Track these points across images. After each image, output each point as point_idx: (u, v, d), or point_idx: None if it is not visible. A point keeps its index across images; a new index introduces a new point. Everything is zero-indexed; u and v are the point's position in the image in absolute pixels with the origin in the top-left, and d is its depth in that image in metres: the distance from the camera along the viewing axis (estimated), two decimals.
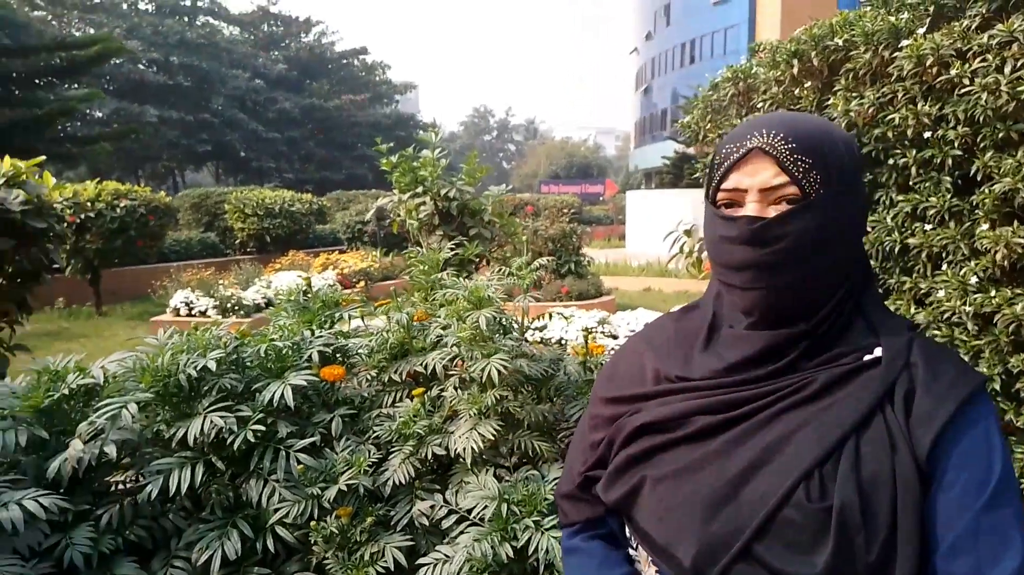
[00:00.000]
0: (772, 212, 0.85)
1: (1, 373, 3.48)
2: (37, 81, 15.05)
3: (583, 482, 1.02)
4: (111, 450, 1.57)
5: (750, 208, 0.86)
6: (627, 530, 0.98)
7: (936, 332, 2.05)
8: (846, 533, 0.75)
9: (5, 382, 1.81)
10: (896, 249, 2.09)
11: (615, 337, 6.39)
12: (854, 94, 2.05)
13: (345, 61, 51.27)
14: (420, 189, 4.42)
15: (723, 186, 0.89)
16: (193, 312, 9.03)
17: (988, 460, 0.78)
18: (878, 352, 0.84)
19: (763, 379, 0.87)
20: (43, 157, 3.67)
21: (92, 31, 33.59)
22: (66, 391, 1.69)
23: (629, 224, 21.10)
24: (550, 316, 2.09)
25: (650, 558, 0.91)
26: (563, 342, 6.09)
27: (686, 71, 41.27)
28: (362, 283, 11.55)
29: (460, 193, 4.46)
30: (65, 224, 7.68)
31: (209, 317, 8.88)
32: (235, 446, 1.59)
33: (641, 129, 50.28)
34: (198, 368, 1.62)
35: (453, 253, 2.29)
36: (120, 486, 1.77)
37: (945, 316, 2.00)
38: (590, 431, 1.02)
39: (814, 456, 0.79)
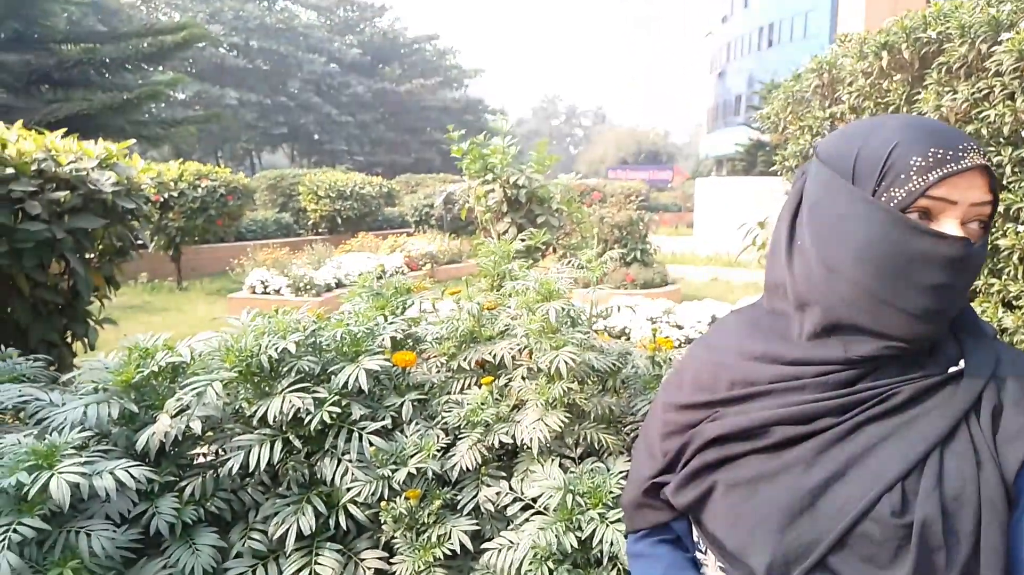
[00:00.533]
0: (962, 231, 0.79)
1: (91, 344, 3.69)
2: (127, 65, 15.73)
3: (650, 488, 1.01)
4: (196, 425, 1.66)
5: (951, 225, 0.79)
6: (694, 535, 0.98)
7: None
8: (926, 550, 0.73)
9: (99, 357, 1.92)
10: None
11: (680, 327, 6.31)
12: (947, 88, 1.96)
13: (417, 46, 51.79)
14: (489, 176, 4.45)
15: (933, 193, 0.78)
16: (268, 290, 9.34)
17: None
18: (963, 364, 0.81)
19: (844, 386, 0.84)
20: (133, 140, 3.86)
21: (177, 16, 34.90)
22: (155, 368, 1.79)
23: (698, 212, 20.66)
24: (619, 309, 2.07)
25: (718, 563, 0.91)
26: (626, 331, 6.05)
27: (763, 55, 40.08)
28: (428, 266, 11.73)
29: (529, 181, 4.47)
30: (150, 203, 8.07)
31: (282, 295, 9.18)
32: (311, 426, 1.65)
33: (714, 114, 49.10)
34: (279, 350, 1.68)
35: (524, 244, 2.30)
36: (202, 459, 1.86)
37: None
38: (662, 439, 1.00)
39: (897, 470, 0.76)
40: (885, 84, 2.18)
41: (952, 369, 0.81)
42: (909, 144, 0.80)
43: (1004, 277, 2.02)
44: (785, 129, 2.64)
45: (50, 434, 1.58)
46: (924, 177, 0.78)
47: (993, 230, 1.99)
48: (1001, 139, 1.90)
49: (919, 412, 0.80)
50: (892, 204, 0.80)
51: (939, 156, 0.78)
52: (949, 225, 0.79)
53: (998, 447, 0.76)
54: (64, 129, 3.58)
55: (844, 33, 2.38)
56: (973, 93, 1.90)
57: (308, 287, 9.27)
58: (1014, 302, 2.02)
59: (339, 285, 9.74)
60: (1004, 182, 1.94)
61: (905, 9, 2.21)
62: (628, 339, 5.84)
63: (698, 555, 0.99)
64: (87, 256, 3.60)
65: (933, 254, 0.77)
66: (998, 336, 0.87)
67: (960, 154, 0.78)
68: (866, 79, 2.22)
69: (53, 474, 1.42)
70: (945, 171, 0.77)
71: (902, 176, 0.79)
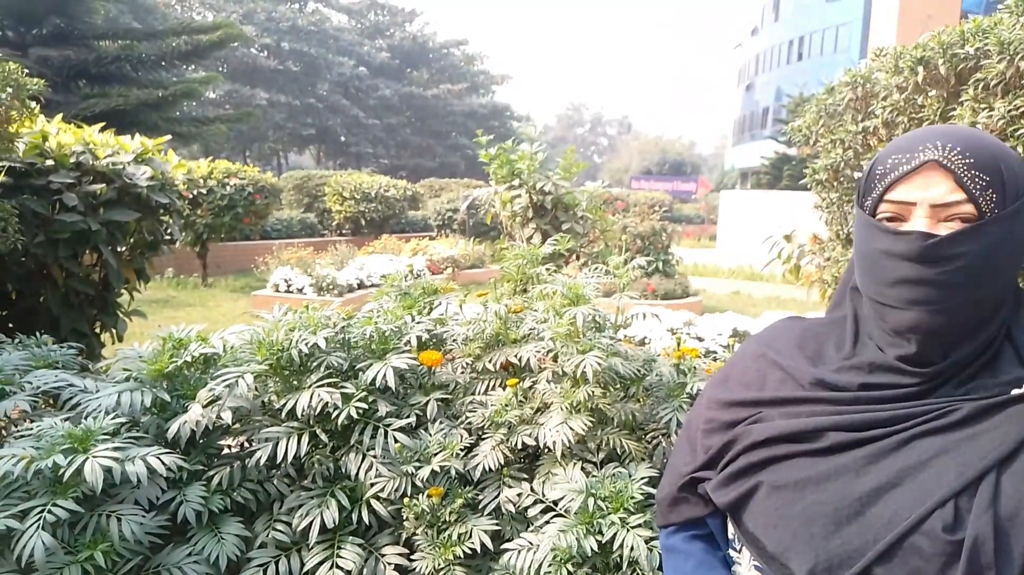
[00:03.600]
0: (942, 229, 0.81)
1: (119, 336, 3.76)
2: (163, 63, 16.00)
3: (688, 483, 1.01)
4: (228, 416, 1.69)
5: (920, 223, 0.82)
6: (729, 532, 0.98)
7: None
8: (976, 569, 0.72)
9: (135, 347, 1.96)
10: None
11: (700, 339, 6.27)
12: (983, 105, 1.95)
13: (445, 51, 52.10)
14: (516, 182, 4.47)
15: (888, 197, 0.84)
16: (291, 289, 9.44)
17: None
18: None
19: (901, 400, 0.84)
20: (168, 136, 3.93)
21: (211, 16, 35.43)
22: (188, 358, 1.82)
23: (721, 224, 20.57)
24: (644, 316, 2.08)
25: (753, 562, 0.91)
26: (646, 341, 6.02)
27: (793, 68, 39.81)
28: (450, 270, 11.78)
29: (555, 187, 4.49)
30: (182, 199, 8.18)
31: (305, 294, 9.26)
32: (338, 421, 1.67)
33: (740, 127, 48.81)
34: (309, 345, 1.71)
35: (552, 249, 2.32)
36: (230, 450, 1.90)
37: None
38: (704, 435, 1.01)
39: (952, 486, 0.76)
40: (920, 99, 2.17)
41: (1015, 391, 0.81)
42: (883, 155, 0.86)
43: None
44: (816, 142, 2.63)
45: (84, 419, 1.62)
46: (883, 182, 0.85)
47: None
48: None
49: (978, 431, 0.79)
50: (866, 212, 0.88)
51: (896, 160, 0.83)
52: (914, 223, 0.82)
53: None
54: (102, 123, 3.66)
55: (879, 47, 2.37)
56: (1010, 110, 1.89)
57: (331, 287, 9.35)
58: None
59: (361, 286, 9.82)
60: None
61: (938, 24, 2.20)
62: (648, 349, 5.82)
63: (731, 553, 0.99)
64: (119, 249, 3.66)
65: (892, 250, 0.83)
66: None
67: (913, 155, 0.82)
68: (901, 94, 2.21)
69: (88, 458, 1.45)
70: (896, 175, 0.83)
71: (872, 185, 0.87)
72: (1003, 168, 0.80)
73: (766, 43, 44.34)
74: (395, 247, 13.10)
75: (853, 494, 0.80)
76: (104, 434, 1.57)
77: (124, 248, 3.76)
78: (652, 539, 1.49)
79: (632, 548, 1.47)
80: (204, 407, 1.70)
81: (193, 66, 19.18)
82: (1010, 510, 0.74)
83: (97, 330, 3.68)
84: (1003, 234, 0.80)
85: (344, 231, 16.96)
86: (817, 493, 0.83)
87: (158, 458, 1.56)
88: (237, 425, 1.85)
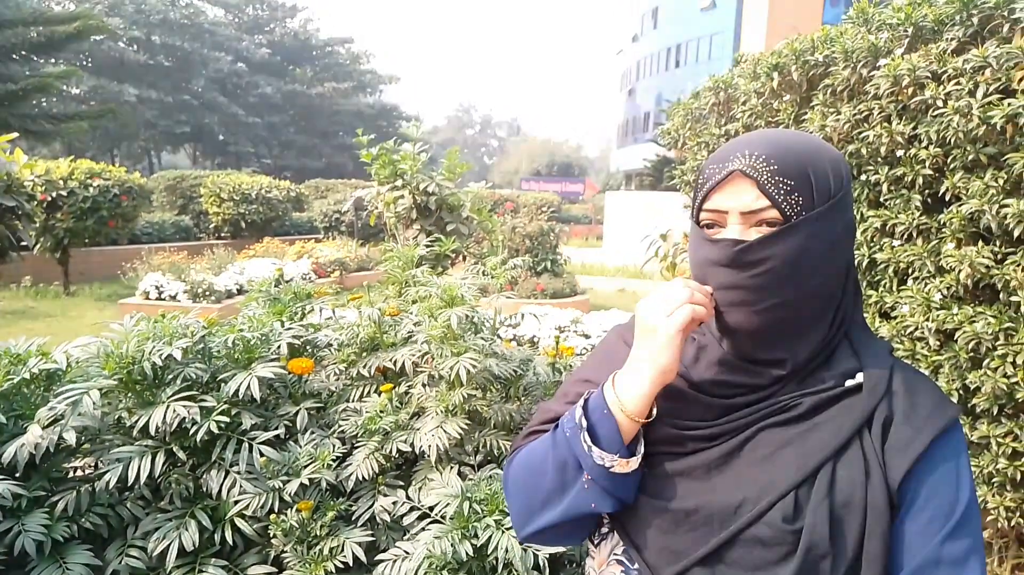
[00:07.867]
0: (754, 234, 0.84)
1: None
2: (13, 55, 14.67)
3: (533, 432, 1.02)
4: (70, 436, 1.55)
5: (732, 231, 0.85)
6: (605, 527, 0.99)
7: (898, 346, 2.09)
8: (813, 556, 0.77)
9: None
10: (864, 263, 2.13)
11: (587, 336, 6.41)
12: (831, 110, 2.08)
13: (330, 49, 50.86)
14: (399, 182, 4.39)
15: (705, 206, 0.87)
16: (163, 296, 8.90)
17: (956, 493, 0.80)
18: (860, 378, 0.85)
19: (749, 395, 0.87)
20: (15, 134, 3.60)
21: (73, 6, 32.93)
22: (27, 375, 1.66)
23: (607, 225, 21.14)
24: (523, 316, 2.09)
25: (613, 553, 0.93)
26: (536, 340, 6.10)
27: (671, 75, 41.48)
28: (337, 273, 11.50)
29: (439, 188, 4.44)
30: (36, 202, 7.48)
31: (179, 302, 8.76)
32: (197, 436, 1.57)
33: (624, 130, 50.40)
34: (163, 356, 1.59)
35: (429, 249, 2.28)
36: (78, 473, 1.74)
37: (908, 331, 2.04)
38: (563, 407, 0.99)
39: (792, 479, 0.80)
40: (776, 104, 2.29)
41: (849, 382, 0.85)
42: (704, 166, 0.89)
43: (880, 289, 2.15)
44: (684, 145, 2.74)
45: None
46: (701, 192, 0.88)
47: (871, 244, 2.11)
48: (879, 159, 2.03)
49: (817, 422, 0.83)
50: (693, 220, 0.91)
51: (711, 171, 0.87)
52: (728, 231, 0.85)
53: (886, 456, 0.80)
54: None
55: (741, 53, 2.49)
56: (855, 114, 2.03)
57: (207, 293, 8.88)
58: (890, 312, 2.15)
59: (240, 291, 9.39)
60: (881, 199, 2.07)
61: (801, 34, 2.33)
62: (537, 347, 5.90)
63: (590, 547, 1.00)
64: None
65: (711, 257, 0.86)
66: (892, 352, 0.92)
67: (723, 166, 0.85)
68: (758, 98, 2.33)
69: None
70: (709, 185, 0.86)
71: (696, 195, 0.90)
72: (810, 171, 0.83)
73: (646, 50, 45.96)
74: (279, 250, 12.64)
75: (703, 487, 0.84)
76: None
77: None
78: None
79: (507, 550, 1.46)
80: (44, 428, 1.55)
81: (53, 60, 17.72)
82: (844, 498, 0.79)
83: None
84: (813, 234, 0.83)
85: (223, 234, 16.19)
86: (671, 488, 0.86)
87: None
88: (86, 446, 1.70)
